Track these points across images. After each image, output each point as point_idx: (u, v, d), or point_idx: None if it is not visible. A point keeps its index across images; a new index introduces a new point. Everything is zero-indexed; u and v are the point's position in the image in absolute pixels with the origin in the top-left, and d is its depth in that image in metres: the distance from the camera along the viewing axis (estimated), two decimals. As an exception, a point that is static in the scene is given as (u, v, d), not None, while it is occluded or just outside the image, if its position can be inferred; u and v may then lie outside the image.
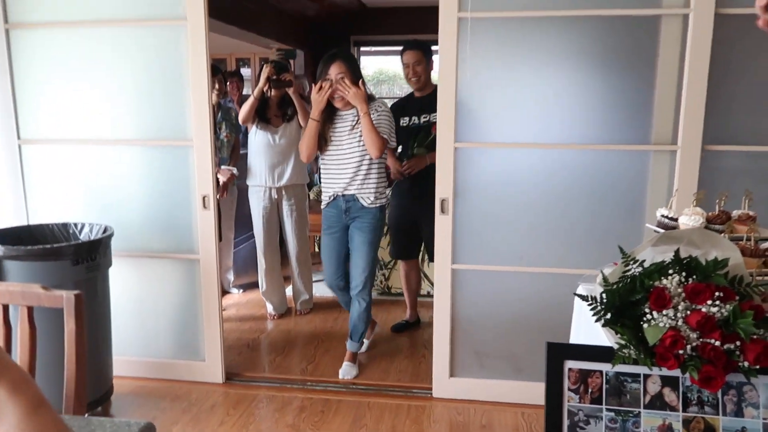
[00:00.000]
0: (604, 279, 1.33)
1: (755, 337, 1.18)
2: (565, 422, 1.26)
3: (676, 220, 1.71)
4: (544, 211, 2.68)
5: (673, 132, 2.54)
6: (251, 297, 4.40)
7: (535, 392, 2.70)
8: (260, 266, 3.94)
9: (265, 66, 3.60)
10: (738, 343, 1.17)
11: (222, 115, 4.03)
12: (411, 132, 3.40)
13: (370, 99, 2.94)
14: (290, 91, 3.59)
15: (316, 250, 4.94)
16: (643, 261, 1.33)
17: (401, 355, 3.41)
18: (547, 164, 2.65)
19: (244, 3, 5.34)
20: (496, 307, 2.79)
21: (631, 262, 1.34)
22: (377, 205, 3.01)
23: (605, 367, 1.26)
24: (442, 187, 2.71)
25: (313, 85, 2.97)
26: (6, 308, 1.52)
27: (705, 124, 2.49)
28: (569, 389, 1.27)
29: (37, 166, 3.02)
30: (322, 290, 3.96)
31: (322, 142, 3.00)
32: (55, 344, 1.64)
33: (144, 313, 3.07)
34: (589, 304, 1.31)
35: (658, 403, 1.24)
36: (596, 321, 1.30)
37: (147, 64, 2.85)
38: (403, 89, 7.79)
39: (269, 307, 4.01)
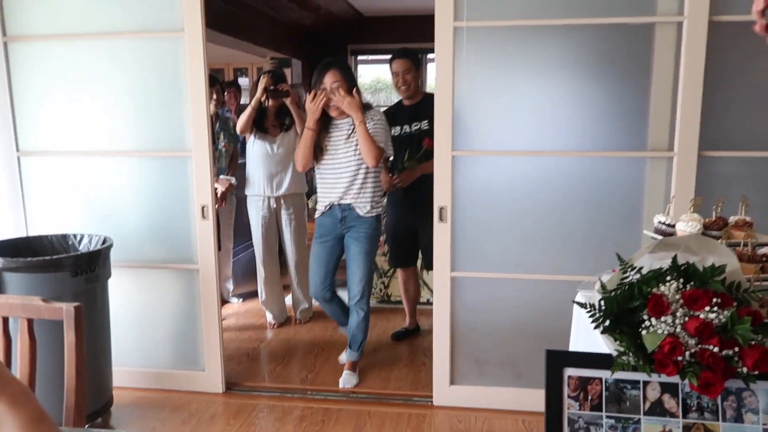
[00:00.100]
0: (602, 286, 1.34)
1: (753, 342, 1.18)
2: (566, 429, 1.27)
3: (673, 226, 1.72)
4: (542, 218, 2.69)
5: (670, 138, 2.56)
6: (250, 306, 4.39)
7: (535, 399, 2.70)
8: (259, 275, 3.94)
9: (262, 76, 3.62)
10: (736, 349, 1.17)
11: (220, 125, 4.04)
12: (403, 141, 3.40)
13: (366, 107, 2.94)
14: (287, 101, 3.61)
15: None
16: (641, 268, 1.33)
17: (401, 363, 3.40)
18: (545, 172, 2.66)
19: (241, 13, 5.37)
20: (496, 314, 2.79)
21: (629, 269, 1.35)
22: (373, 214, 3.00)
23: (605, 374, 1.27)
24: (441, 195, 2.72)
25: (307, 94, 2.98)
26: (6, 320, 1.52)
27: (701, 130, 2.50)
28: (569, 396, 1.28)
29: (36, 177, 3.03)
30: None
31: (318, 151, 2.99)
32: (54, 356, 1.64)
33: (143, 324, 3.07)
34: (588, 312, 1.32)
35: (657, 409, 1.24)
36: (595, 328, 1.31)
37: (145, 75, 2.87)
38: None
39: (269, 316, 4.00)
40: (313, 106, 2.88)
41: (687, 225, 1.65)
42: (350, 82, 2.90)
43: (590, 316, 1.31)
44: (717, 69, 2.47)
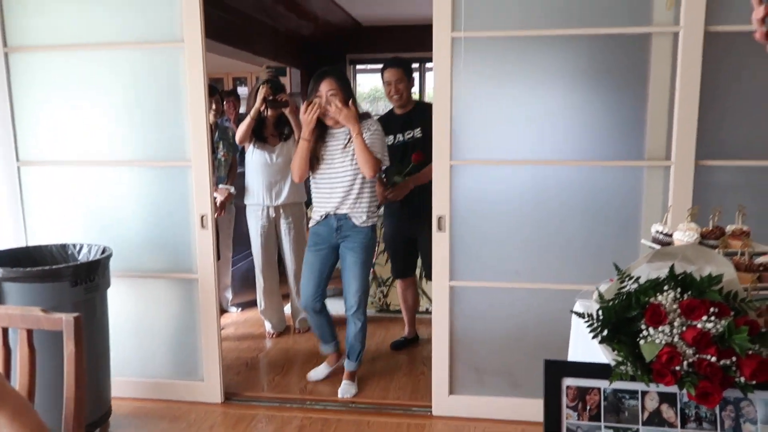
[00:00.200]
0: (600, 296, 1.34)
1: (751, 352, 1.18)
2: (564, 439, 1.27)
3: (670, 235, 1.73)
4: (540, 227, 2.70)
5: (667, 147, 2.57)
6: (249, 316, 4.39)
7: (534, 409, 2.68)
8: (258, 285, 3.94)
9: (261, 87, 3.63)
10: (734, 358, 1.18)
11: (219, 134, 4.05)
12: (396, 150, 3.39)
13: (363, 116, 2.94)
14: (286, 111, 3.62)
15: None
16: (639, 277, 1.34)
17: (400, 372, 3.40)
18: (543, 181, 2.67)
19: (240, 23, 5.39)
20: (494, 323, 2.79)
21: (627, 279, 1.35)
22: (369, 224, 3.00)
23: (603, 384, 1.27)
24: (439, 205, 2.73)
25: (303, 103, 2.98)
26: (5, 331, 1.52)
27: (697, 139, 2.51)
28: (568, 407, 1.28)
29: (36, 187, 3.03)
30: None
31: (315, 160, 2.98)
32: (54, 366, 1.64)
33: (142, 333, 3.07)
34: (586, 321, 1.32)
35: (656, 419, 1.24)
36: (593, 338, 1.31)
37: (145, 85, 2.88)
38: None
39: (268, 326, 4.00)
40: (307, 117, 2.87)
41: (684, 234, 1.66)
42: (346, 92, 2.90)
43: (588, 326, 1.32)
44: (713, 78, 2.49)
